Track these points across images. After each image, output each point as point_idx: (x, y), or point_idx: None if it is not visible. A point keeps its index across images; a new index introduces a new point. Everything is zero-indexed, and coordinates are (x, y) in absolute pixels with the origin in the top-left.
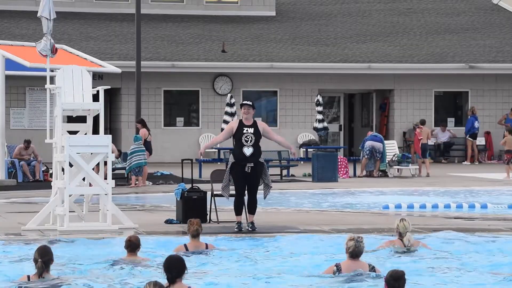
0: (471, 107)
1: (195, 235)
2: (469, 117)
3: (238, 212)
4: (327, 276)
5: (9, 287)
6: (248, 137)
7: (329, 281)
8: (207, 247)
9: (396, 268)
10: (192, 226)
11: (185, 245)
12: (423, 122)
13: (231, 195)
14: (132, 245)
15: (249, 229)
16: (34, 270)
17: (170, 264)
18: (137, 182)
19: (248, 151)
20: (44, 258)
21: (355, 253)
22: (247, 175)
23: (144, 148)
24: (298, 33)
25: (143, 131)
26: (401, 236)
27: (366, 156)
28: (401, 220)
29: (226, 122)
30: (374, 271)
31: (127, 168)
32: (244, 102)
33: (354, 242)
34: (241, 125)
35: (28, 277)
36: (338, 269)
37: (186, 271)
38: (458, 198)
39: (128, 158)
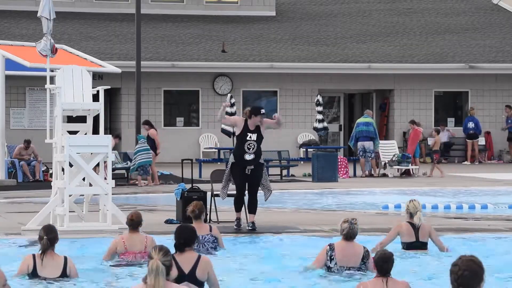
0: (470, 107)
1: (194, 217)
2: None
3: (237, 208)
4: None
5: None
6: (251, 144)
7: (328, 281)
8: (211, 230)
9: (385, 251)
10: (190, 207)
11: None
12: (416, 122)
13: (230, 195)
14: (134, 223)
15: (250, 228)
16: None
17: (179, 232)
18: (145, 182)
19: (249, 157)
20: (49, 235)
21: (349, 235)
22: (247, 175)
23: (149, 147)
24: (298, 33)
25: (151, 131)
26: (411, 216)
27: (361, 157)
28: (410, 200)
29: None
30: (368, 254)
31: (131, 168)
32: (262, 111)
33: (349, 224)
34: (245, 129)
35: (34, 255)
36: (331, 248)
37: (197, 241)
38: (458, 198)
39: (133, 158)
